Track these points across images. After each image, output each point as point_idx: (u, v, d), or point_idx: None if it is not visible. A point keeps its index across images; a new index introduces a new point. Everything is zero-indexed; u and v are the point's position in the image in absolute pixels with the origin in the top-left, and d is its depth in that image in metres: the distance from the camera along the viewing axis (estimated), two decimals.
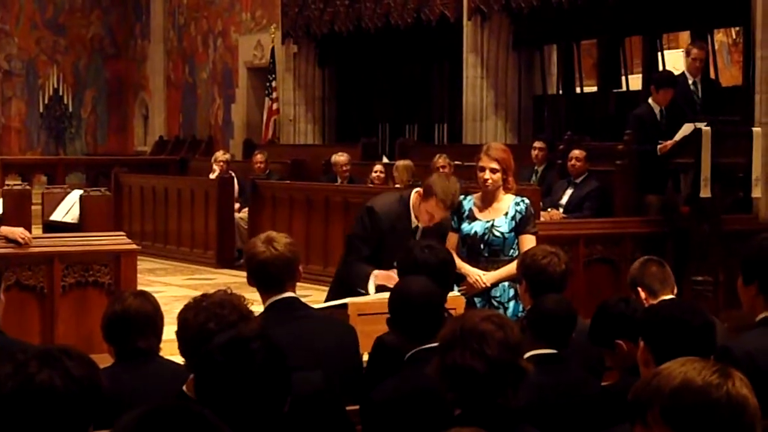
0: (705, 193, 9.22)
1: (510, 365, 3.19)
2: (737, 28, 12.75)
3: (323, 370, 3.98)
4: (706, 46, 11.33)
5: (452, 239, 6.56)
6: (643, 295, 5.08)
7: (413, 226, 6.42)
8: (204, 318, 3.66)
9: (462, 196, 6.53)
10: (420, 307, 4.14)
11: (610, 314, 4.48)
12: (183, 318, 3.76)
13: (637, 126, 10.38)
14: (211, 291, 3.93)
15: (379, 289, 5.96)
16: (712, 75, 11.63)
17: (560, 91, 14.21)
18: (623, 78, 13.54)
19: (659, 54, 12.81)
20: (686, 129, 9.70)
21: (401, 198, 6.53)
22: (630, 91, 13.28)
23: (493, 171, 6.49)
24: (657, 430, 2.43)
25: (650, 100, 10.43)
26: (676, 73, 10.97)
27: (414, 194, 6.43)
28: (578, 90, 14.15)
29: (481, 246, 6.41)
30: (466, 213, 6.51)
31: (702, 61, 10.82)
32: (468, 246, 6.45)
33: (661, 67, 12.38)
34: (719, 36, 12.66)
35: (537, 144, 12.03)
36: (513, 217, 6.46)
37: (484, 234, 6.44)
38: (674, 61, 12.13)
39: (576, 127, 12.89)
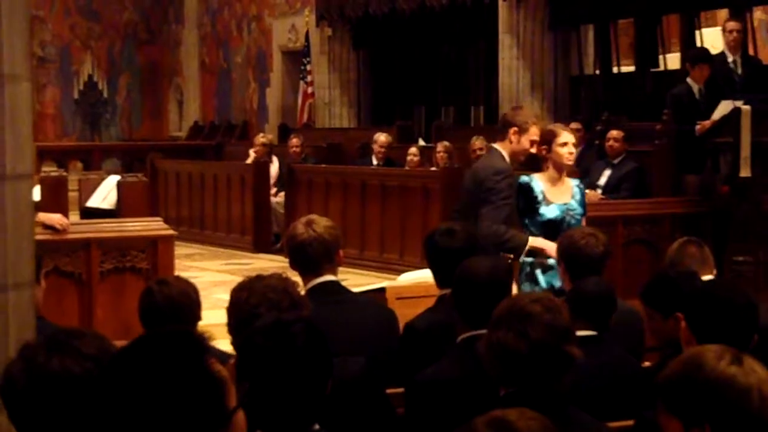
0: (745, 172, 9.13)
1: (554, 349, 3.17)
2: None
3: (364, 354, 3.96)
4: (742, 21, 11.21)
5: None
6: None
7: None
8: (256, 301, 3.64)
9: (525, 177, 6.53)
10: (483, 290, 4.06)
11: (674, 284, 4.40)
12: (236, 298, 3.74)
13: (675, 105, 10.28)
14: (265, 273, 3.88)
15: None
16: (752, 52, 11.49)
17: (597, 72, 14.11)
18: (661, 57, 13.42)
19: (697, 32, 12.69)
20: (724, 107, 9.60)
21: (493, 154, 6.55)
22: (667, 70, 13.16)
23: (574, 146, 6.63)
24: (663, 414, 2.49)
25: (688, 79, 10.33)
26: (715, 52, 10.84)
27: (502, 143, 6.46)
28: (615, 70, 14.04)
29: (561, 230, 6.22)
30: (540, 196, 6.42)
31: (739, 34, 10.69)
32: (546, 230, 6.35)
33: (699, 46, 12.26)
34: (758, 13, 12.50)
35: (574, 125, 11.92)
36: (580, 200, 6.49)
37: (563, 218, 6.39)
38: (712, 39, 12.00)
39: (613, 107, 12.78)
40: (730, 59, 10.58)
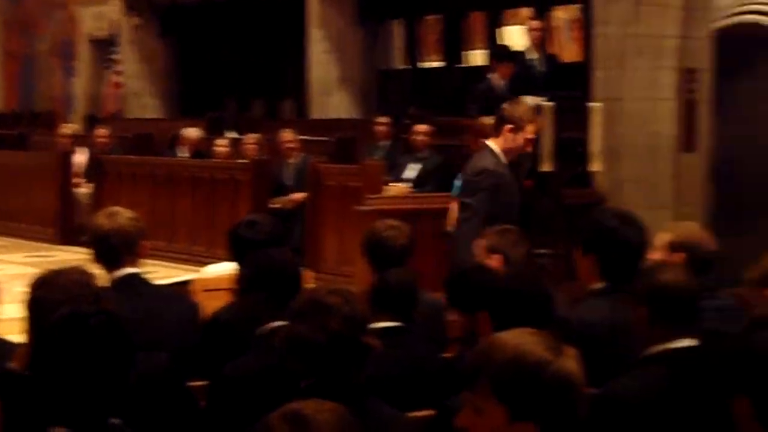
0: (546, 167, 9.41)
1: (352, 340, 3.21)
2: (577, 5, 13.01)
3: (166, 347, 3.94)
4: (544, 20, 11.55)
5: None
6: (498, 262, 5.16)
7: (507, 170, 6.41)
8: (56, 295, 3.54)
9: None
10: (277, 280, 4.08)
11: (471, 279, 4.48)
12: (35, 292, 3.60)
13: (479, 100, 10.52)
14: (59, 267, 3.79)
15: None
16: (553, 51, 11.84)
17: (405, 67, 14.30)
18: (466, 53, 13.70)
19: (501, 30, 13.00)
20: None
21: (483, 152, 6.46)
22: (473, 66, 13.44)
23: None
24: (484, 398, 2.45)
25: (492, 75, 10.58)
26: (519, 49, 11.14)
27: (496, 139, 6.37)
28: (422, 65, 14.26)
29: None
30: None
31: (541, 32, 11.02)
32: None
33: (502, 43, 12.56)
34: (559, 13, 12.89)
35: (381, 119, 12.08)
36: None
37: None
38: (515, 37, 12.31)
39: (421, 101, 12.99)
40: (532, 57, 10.90)
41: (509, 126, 6.31)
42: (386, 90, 14.50)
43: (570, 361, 2.48)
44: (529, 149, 6.47)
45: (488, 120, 7.16)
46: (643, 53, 10.14)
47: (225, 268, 5.69)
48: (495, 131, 6.43)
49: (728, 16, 11.28)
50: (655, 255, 4.75)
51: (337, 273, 9.55)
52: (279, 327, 3.75)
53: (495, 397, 2.44)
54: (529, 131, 6.34)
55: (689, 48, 10.17)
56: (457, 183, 6.99)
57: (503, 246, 5.27)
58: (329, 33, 14.07)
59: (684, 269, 4.03)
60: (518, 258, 5.26)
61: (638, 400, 3.48)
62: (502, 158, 6.36)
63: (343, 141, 11.58)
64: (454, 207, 6.94)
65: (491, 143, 6.42)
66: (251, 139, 12.53)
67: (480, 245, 5.39)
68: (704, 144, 10.30)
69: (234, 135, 14.03)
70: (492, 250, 5.27)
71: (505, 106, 6.52)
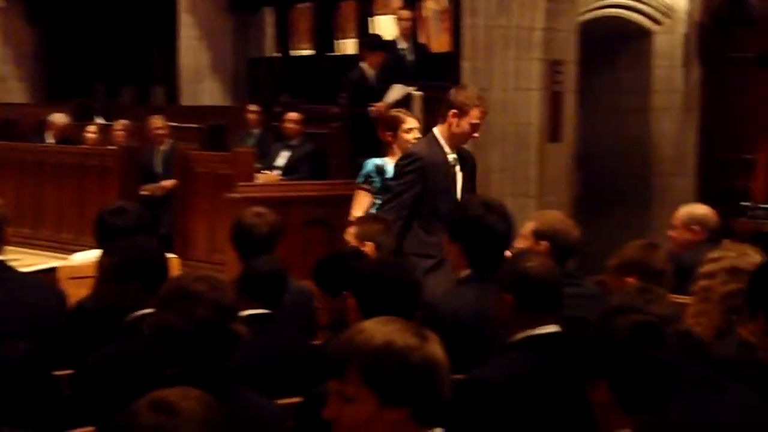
0: None
1: (220, 327, 3.21)
2: None
3: (31, 334, 3.88)
4: (414, 10, 11.64)
5: (368, 201, 6.66)
6: (370, 249, 5.20)
7: (449, 158, 6.23)
8: None
9: (379, 160, 6.66)
10: (143, 268, 4.05)
11: (342, 263, 4.50)
12: None
13: (350, 89, 10.56)
14: None
15: None
16: (423, 41, 11.93)
17: (276, 54, 14.26)
18: (338, 42, 13.73)
19: (371, 19, 13.05)
20: (397, 91, 9.94)
21: (425, 138, 6.40)
22: (344, 55, 13.47)
23: (419, 131, 6.67)
24: (353, 387, 2.49)
25: (363, 64, 10.63)
26: (389, 39, 11.20)
27: (441, 126, 6.22)
28: (294, 53, 14.24)
29: None
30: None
31: (411, 22, 11.10)
32: None
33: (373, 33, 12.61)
34: (429, 3, 12.98)
35: (251, 108, 12.03)
36: None
37: None
38: (386, 26, 12.38)
39: (292, 90, 12.98)
40: (402, 46, 10.97)
41: (453, 111, 6.14)
42: (257, 78, 14.45)
43: (436, 346, 2.53)
44: (476, 135, 6.26)
45: (397, 111, 7.17)
46: (511, 45, 10.27)
47: (92, 256, 5.62)
48: (440, 117, 6.28)
49: (593, 10, 11.50)
50: (520, 243, 4.84)
51: (207, 261, 9.50)
52: (146, 315, 3.73)
53: (365, 385, 2.47)
54: (474, 116, 6.15)
55: (556, 40, 10.34)
56: (364, 171, 6.97)
57: (374, 234, 5.32)
58: (200, 19, 13.96)
59: (547, 257, 4.13)
60: (389, 246, 5.31)
61: (502, 386, 3.55)
62: (446, 146, 6.21)
63: (213, 128, 11.50)
64: (358, 195, 6.94)
65: (436, 130, 6.27)
66: (120, 125, 12.36)
67: (350, 233, 5.43)
68: (569, 134, 10.50)
69: (102, 121, 13.82)
70: (363, 238, 5.31)
71: (451, 90, 6.38)
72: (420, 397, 2.49)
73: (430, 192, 6.15)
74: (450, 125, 6.18)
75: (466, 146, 6.45)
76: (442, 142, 6.21)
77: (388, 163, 6.72)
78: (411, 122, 6.71)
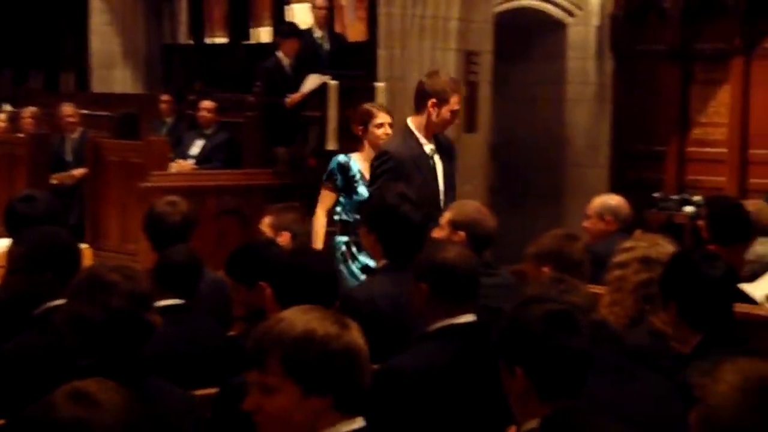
0: (331, 145, 9.47)
1: (134, 317, 3.17)
2: None
3: None
4: None
5: (330, 199, 6.42)
6: (286, 239, 5.18)
7: (427, 149, 6.02)
8: None
9: (344, 157, 6.42)
10: (54, 257, 3.97)
11: (251, 252, 4.46)
12: None
13: (265, 78, 10.50)
14: None
15: None
16: (339, 30, 11.91)
17: (190, 42, 14.13)
18: (253, 30, 13.64)
19: (287, 7, 12.99)
20: (312, 81, 9.91)
21: (398, 132, 6.17)
22: (259, 43, 13.39)
23: (390, 126, 6.40)
24: (275, 377, 2.49)
25: (279, 53, 10.58)
26: (305, 27, 11.16)
27: (414, 117, 6.01)
28: (208, 41, 14.12)
29: None
30: (357, 175, 6.37)
31: (327, 11, 11.08)
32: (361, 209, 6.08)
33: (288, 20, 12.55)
34: None
35: (164, 97, 11.91)
36: None
37: None
38: (302, 15, 12.32)
39: (206, 78, 12.87)
40: (317, 35, 10.94)
41: (432, 100, 5.94)
42: (171, 65, 14.30)
43: (356, 334, 2.55)
44: (454, 122, 6.14)
45: (369, 105, 6.76)
46: (427, 34, 10.30)
47: (1, 245, 5.52)
48: (416, 107, 6.05)
49: (508, 1, 11.58)
50: (438, 233, 4.86)
51: (119, 251, 9.39)
52: (58, 305, 3.67)
53: (287, 374, 2.48)
54: (454, 102, 5.97)
55: (471, 31, 10.39)
56: (328, 168, 6.64)
57: (289, 223, 5.30)
58: (111, 4, 13.78)
59: (464, 247, 4.14)
60: (304, 235, 5.30)
61: (419, 375, 3.56)
62: (421, 137, 6.02)
63: (126, 116, 11.35)
64: (322, 193, 6.63)
65: (409, 121, 6.07)
66: (29, 112, 12.15)
67: (265, 223, 5.40)
68: (485, 124, 10.56)
69: (10, 108, 13.56)
70: (279, 228, 5.29)
71: (423, 79, 6.17)
72: (342, 385, 2.50)
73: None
74: (429, 115, 5.97)
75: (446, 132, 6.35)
76: (417, 134, 6.02)
77: (355, 160, 6.51)
78: (382, 117, 6.47)
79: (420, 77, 10.33)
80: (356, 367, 2.52)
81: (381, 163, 5.93)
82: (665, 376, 3.53)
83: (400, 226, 4.44)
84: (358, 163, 6.49)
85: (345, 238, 6.28)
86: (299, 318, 2.53)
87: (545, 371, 2.85)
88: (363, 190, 6.35)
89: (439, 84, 6.01)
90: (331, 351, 2.48)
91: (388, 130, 6.46)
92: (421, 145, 6.02)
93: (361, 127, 6.54)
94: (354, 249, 6.21)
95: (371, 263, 5.45)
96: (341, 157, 6.56)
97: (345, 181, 6.46)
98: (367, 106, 6.72)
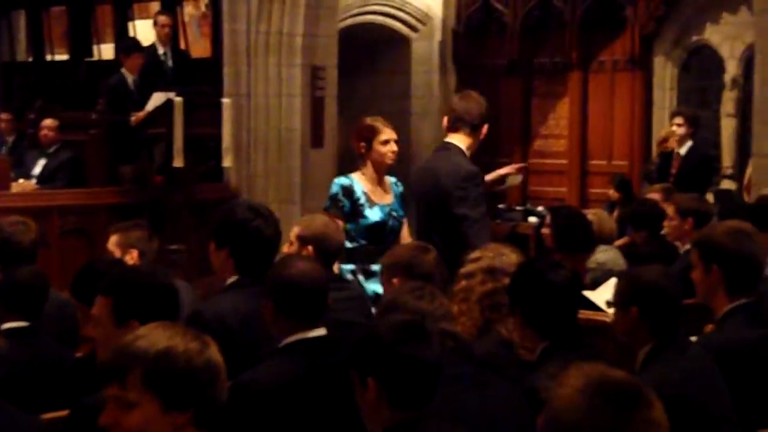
0: (178, 162, 9.39)
1: None
2: (205, 1, 13.06)
3: None
4: (173, 15, 11.53)
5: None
6: (134, 257, 5.13)
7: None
8: None
9: (345, 179, 5.92)
10: None
11: (95, 271, 4.39)
12: None
13: (109, 95, 10.36)
14: None
15: None
16: (183, 46, 11.83)
17: (30, 59, 13.84)
18: (95, 47, 13.43)
19: (130, 24, 12.84)
20: (157, 99, 9.81)
21: (455, 153, 5.79)
22: (102, 60, 13.19)
23: (396, 143, 5.99)
24: (136, 392, 2.49)
25: (123, 70, 10.45)
26: (148, 43, 11.06)
27: (463, 138, 5.76)
28: (49, 58, 13.85)
29: (385, 233, 5.82)
30: (362, 198, 5.85)
31: (170, 28, 11.00)
32: (370, 234, 5.83)
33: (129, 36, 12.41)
34: (189, 8, 12.86)
35: (3, 116, 11.64)
36: (400, 199, 6.00)
37: (387, 220, 5.88)
38: (146, 31, 12.20)
39: (47, 95, 12.61)
40: (161, 51, 10.86)
41: (480, 122, 5.80)
42: (11, 83, 13.98)
43: (215, 350, 2.59)
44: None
45: (373, 120, 6.10)
46: (272, 50, 10.32)
47: None
48: (471, 130, 5.81)
49: (353, 16, 11.67)
50: (286, 248, 4.87)
51: None
52: None
53: (147, 390, 2.49)
54: (485, 125, 5.87)
55: (316, 46, 10.45)
56: (330, 193, 6.03)
57: (135, 241, 5.25)
58: None
59: (312, 261, 4.15)
60: (152, 253, 5.26)
61: (268, 390, 3.56)
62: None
63: None
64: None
65: (460, 144, 5.82)
66: None
67: (112, 242, 5.33)
68: (331, 139, 10.62)
69: None
70: (126, 246, 5.23)
71: (459, 103, 5.90)
72: (202, 400, 2.53)
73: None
74: (480, 135, 5.84)
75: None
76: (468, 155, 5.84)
77: (357, 181, 5.96)
78: (388, 133, 5.95)
79: (267, 93, 10.43)
80: (216, 382, 2.55)
81: (476, 185, 5.71)
82: (513, 383, 3.60)
83: (251, 241, 4.42)
84: (362, 184, 5.96)
85: (351, 266, 5.83)
86: (160, 334, 2.55)
87: (396, 381, 2.88)
88: (370, 213, 5.90)
89: (483, 106, 5.89)
90: (193, 366, 2.51)
91: (395, 148, 6.01)
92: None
93: (363, 144, 5.97)
94: (361, 277, 5.81)
95: (380, 290, 5.05)
96: (343, 180, 5.99)
97: (351, 206, 5.90)
98: (370, 121, 6.09)
